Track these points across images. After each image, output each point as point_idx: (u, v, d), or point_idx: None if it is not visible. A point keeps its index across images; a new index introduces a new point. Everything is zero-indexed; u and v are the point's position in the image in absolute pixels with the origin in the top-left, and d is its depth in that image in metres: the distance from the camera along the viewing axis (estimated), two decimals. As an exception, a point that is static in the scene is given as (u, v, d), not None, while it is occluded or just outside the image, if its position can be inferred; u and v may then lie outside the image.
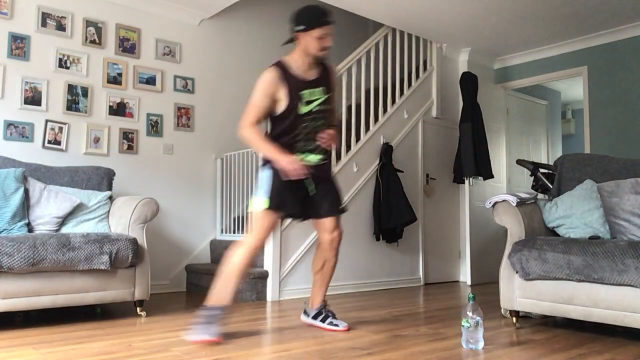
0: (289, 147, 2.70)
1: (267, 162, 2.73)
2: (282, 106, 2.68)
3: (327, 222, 2.84)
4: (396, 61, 5.31)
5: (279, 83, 2.66)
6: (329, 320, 2.91)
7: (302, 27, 2.66)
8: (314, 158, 2.77)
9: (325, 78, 2.81)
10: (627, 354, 2.42)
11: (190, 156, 4.84)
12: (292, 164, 2.59)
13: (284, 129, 2.71)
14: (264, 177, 2.72)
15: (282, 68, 2.69)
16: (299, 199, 2.77)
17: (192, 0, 4.67)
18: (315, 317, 2.96)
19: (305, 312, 3.03)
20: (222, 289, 2.63)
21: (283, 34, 5.74)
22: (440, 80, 5.68)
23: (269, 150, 2.65)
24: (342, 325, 2.88)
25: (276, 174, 2.67)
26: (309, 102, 2.70)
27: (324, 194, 2.82)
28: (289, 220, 4.26)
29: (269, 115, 2.74)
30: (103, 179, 3.76)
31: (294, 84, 2.68)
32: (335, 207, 2.86)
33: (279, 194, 2.67)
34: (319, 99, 2.74)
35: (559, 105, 7.46)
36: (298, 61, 2.73)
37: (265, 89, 2.66)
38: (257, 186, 2.74)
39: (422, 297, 4.44)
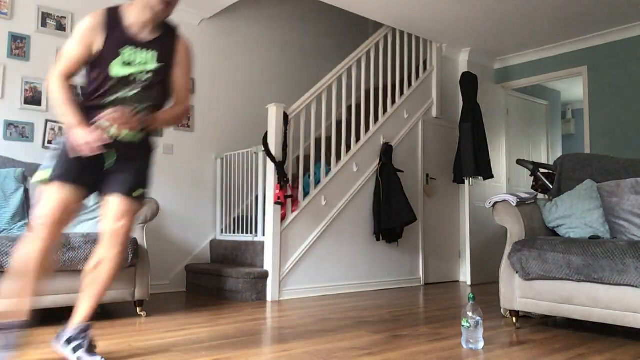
0: (96, 110, 2.12)
1: None
2: (96, 57, 2.13)
3: (113, 205, 2.16)
4: (396, 61, 5.30)
5: (99, 30, 2.11)
6: (78, 353, 2.07)
7: None
8: (125, 133, 2.15)
9: (165, 46, 2.22)
10: (627, 354, 2.42)
11: (190, 156, 4.84)
12: (86, 138, 2.00)
13: (93, 88, 2.16)
14: (57, 145, 2.16)
15: (111, 14, 2.15)
16: (92, 170, 2.15)
17: (192, 0, 4.67)
18: (69, 342, 2.10)
19: (58, 335, 2.16)
20: (16, 298, 2.00)
21: (283, 34, 5.74)
22: (440, 80, 5.68)
23: (66, 115, 2.08)
24: None
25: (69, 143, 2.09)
26: (127, 64, 2.12)
27: (123, 169, 2.19)
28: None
29: (87, 65, 2.18)
30: (103, 179, 3.76)
31: (117, 36, 2.12)
32: (125, 186, 2.18)
33: (68, 162, 2.08)
34: (144, 65, 2.15)
35: (559, 105, 7.46)
36: (136, 13, 2.15)
37: (82, 35, 2.11)
38: (47, 157, 2.18)
39: (422, 297, 4.44)
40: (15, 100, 3.97)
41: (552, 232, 3.24)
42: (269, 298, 4.11)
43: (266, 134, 4.27)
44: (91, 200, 3.55)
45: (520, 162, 4.21)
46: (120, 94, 2.14)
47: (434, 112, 5.60)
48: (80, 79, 2.25)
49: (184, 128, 4.81)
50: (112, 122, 2.09)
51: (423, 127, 5.48)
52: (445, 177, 5.69)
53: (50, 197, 2.05)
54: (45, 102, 4.08)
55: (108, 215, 2.17)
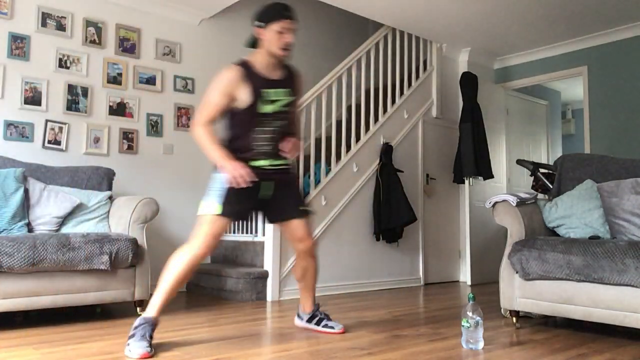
0: (245, 150, 2.59)
1: None
2: (242, 104, 2.55)
3: (297, 229, 2.72)
4: (396, 61, 5.30)
5: (240, 81, 2.54)
6: (323, 322, 2.85)
7: (262, 23, 2.57)
8: (274, 162, 2.65)
9: (290, 81, 2.70)
10: (627, 354, 2.42)
11: (190, 156, 4.84)
12: (237, 170, 2.44)
13: (242, 129, 2.59)
14: (218, 179, 2.56)
15: (244, 66, 2.59)
16: (254, 204, 2.66)
17: (192, 0, 4.67)
18: (309, 321, 2.90)
19: (299, 316, 2.96)
20: (157, 298, 2.44)
21: (283, 34, 5.73)
22: (440, 80, 5.68)
23: (216, 154, 2.51)
24: (338, 328, 2.83)
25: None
26: (272, 102, 2.59)
27: (283, 196, 2.70)
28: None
29: (227, 114, 2.62)
30: (103, 179, 3.76)
31: (257, 82, 2.57)
32: (296, 210, 2.72)
33: (233, 199, 2.52)
34: (283, 100, 2.63)
35: (559, 105, 7.46)
36: (262, 61, 2.62)
37: (224, 88, 2.54)
38: (208, 187, 2.59)
39: (422, 297, 4.44)
40: (15, 100, 3.97)
41: (552, 232, 3.23)
42: (269, 298, 4.11)
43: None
44: (92, 200, 3.56)
45: (520, 162, 4.21)
46: (272, 127, 2.60)
47: (434, 112, 5.60)
48: (221, 129, 2.66)
49: (184, 128, 4.81)
50: (289, 152, 2.64)
51: (423, 127, 5.48)
52: (445, 177, 5.69)
53: (214, 228, 2.50)
54: (45, 102, 4.08)
55: (296, 236, 2.74)
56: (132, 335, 2.34)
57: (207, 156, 2.55)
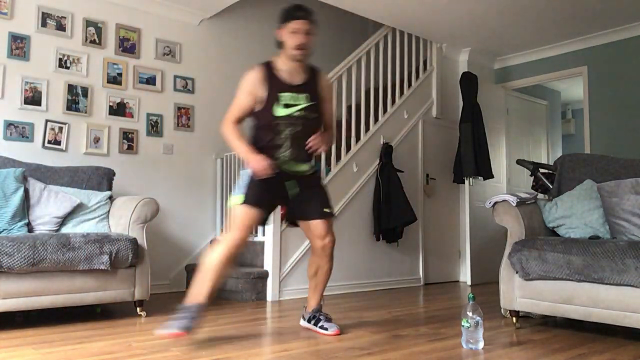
0: (266, 150, 2.65)
1: None
2: (259, 105, 2.65)
3: (317, 227, 2.77)
4: (396, 61, 5.31)
5: (261, 82, 2.64)
6: (320, 323, 2.84)
7: (280, 24, 2.68)
8: (297, 167, 2.73)
9: (313, 85, 2.74)
10: (627, 354, 2.42)
11: (190, 156, 4.84)
12: (259, 162, 2.55)
13: (260, 130, 2.68)
14: (244, 175, 2.68)
15: (267, 67, 2.68)
16: (278, 199, 2.75)
17: (192, 0, 4.67)
18: (309, 321, 2.91)
19: (303, 316, 2.99)
20: (198, 287, 2.54)
21: (283, 34, 5.73)
22: (440, 80, 5.68)
23: (241, 149, 2.62)
24: (332, 330, 2.78)
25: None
26: (288, 106, 2.63)
27: (309, 197, 2.77)
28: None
29: (252, 116, 2.72)
30: (103, 179, 3.76)
31: (276, 84, 2.64)
32: (320, 209, 2.78)
33: (255, 190, 2.61)
34: (301, 104, 2.66)
35: (559, 105, 7.46)
36: (286, 63, 2.70)
37: (247, 87, 2.66)
38: (237, 184, 2.71)
39: (422, 297, 4.44)
40: (15, 100, 3.97)
41: (552, 232, 3.23)
42: (269, 298, 4.11)
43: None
44: (92, 200, 3.56)
45: (520, 162, 4.21)
46: (287, 131, 2.63)
47: (434, 112, 5.60)
48: (248, 131, 2.75)
49: (184, 128, 4.81)
50: (314, 146, 2.67)
51: (423, 127, 5.48)
52: (445, 177, 5.69)
53: (243, 218, 2.58)
54: (45, 102, 4.08)
55: (315, 235, 2.78)
56: (173, 319, 2.48)
57: (235, 152, 2.67)
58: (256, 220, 2.65)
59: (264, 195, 2.64)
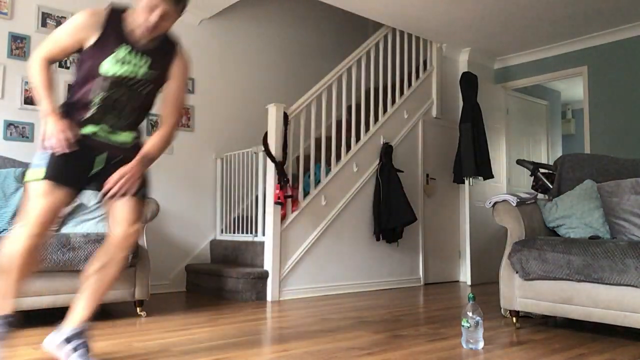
0: (80, 108, 2.09)
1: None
2: (89, 52, 2.05)
3: (122, 209, 2.12)
4: (396, 61, 5.30)
5: (95, 28, 2.04)
6: (81, 352, 2.03)
7: None
8: (114, 136, 2.16)
9: (162, 56, 2.18)
10: (627, 354, 2.42)
11: (190, 156, 4.84)
12: (57, 132, 1.97)
13: (80, 83, 2.09)
14: (45, 144, 2.04)
15: (112, 15, 2.09)
16: (84, 173, 2.12)
17: (192, 0, 4.67)
18: (68, 340, 2.06)
19: (52, 336, 2.11)
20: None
21: (283, 33, 5.74)
22: (440, 80, 5.68)
23: (43, 100, 2.02)
24: None
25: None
26: (120, 63, 2.06)
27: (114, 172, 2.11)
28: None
29: (78, 58, 2.11)
30: (103, 179, 3.76)
31: (114, 36, 2.06)
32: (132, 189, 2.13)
33: (59, 162, 2.01)
34: (137, 68, 2.09)
35: (559, 105, 7.46)
36: (137, 21, 2.06)
37: (75, 28, 2.05)
38: (36, 154, 2.07)
39: (422, 297, 4.44)
40: (15, 100, 3.97)
41: (552, 232, 3.23)
42: (269, 298, 4.11)
43: (266, 134, 4.27)
44: (92, 200, 3.56)
45: (520, 162, 4.20)
46: (107, 94, 2.07)
47: (434, 112, 5.60)
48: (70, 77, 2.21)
49: (184, 128, 4.81)
50: (119, 188, 2.06)
51: (423, 127, 5.48)
52: (445, 177, 5.69)
53: (40, 198, 1.98)
54: (45, 102, 4.08)
55: (119, 219, 2.13)
56: None
57: (35, 99, 2.08)
58: (62, 202, 2.02)
59: (70, 168, 2.04)
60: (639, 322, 2.53)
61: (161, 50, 2.18)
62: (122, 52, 2.07)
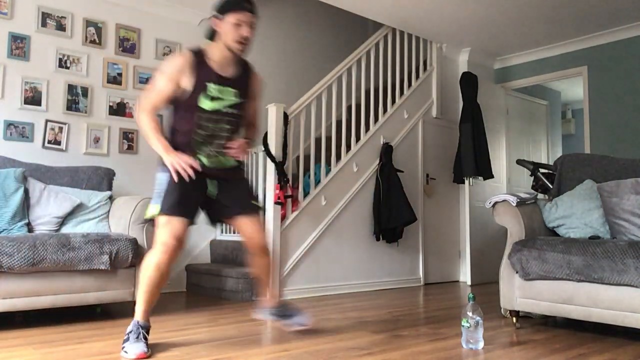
0: (186, 146, 2.43)
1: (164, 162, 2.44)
2: (184, 94, 2.40)
3: (245, 224, 2.59)
4: (396, 61, 5.30)
5: (187, 69, 2.38)
6: (282, 321, 2.78)
7: (219, 14, 2.43)
8: (224, 162, 2.53)
9: (244, 82, 2.54)
10: (627, 354, 2.42)
11: (190, 156, 4.84)
12: (179, 161, 2.34)
13: (183, 122, 2.43)
14: (160, 179, 2.43)
15: (196, 55, 2.43)
16: (199, 201, 2.51)
17: (192, 0, 4.67)
18: (272, 315, 2.84)
19: (265, 308, 2.86)
20: (138, 304, 2.40)
21: (283, 33, 5.74)
22: (440, 80, 5.68)
23: (158, 144, 2.38)
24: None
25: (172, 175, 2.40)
26: (214, 99, 2.41)
27: (229, 192, 2.56)
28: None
29: (172, 104, 2.47)
30: (103, 179, 3.76)
31: (204, 74, 2.40)
32: (245, 206, 2.58)
33: (173, 196, 2.38)
34: (228, 100, 2.46)
35: (559, 105, 7.46)
36: (217, 53, 2.45)
37: (171, 73, 2.39)
38: (154, 191, 2.45)
39: (422, 297, 4.44)
40: (15, 100, 3.97)
41: (552, 232, 3.24)
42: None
43: (266, 134, 4.27)
44: (92, 200, 3.56)
45: (520, 162, 4.21)
46: (211, 127, 2.42)
47: (434, 112, 5.60)
48: (165, 122, 2.54)
49: (184, 128, 4.81)
50: (235, 153, 2.48)
51: (423, 127, 5.48)
52: (445, 177, 5.69)
53: (163, 229, 2.35)
54: (45, 102, 4.08)
55: (246, 232, 2.60)
56: (127, 339, 2.32)
57: (150, 145, 2.44)
58: (181, 229, 2.39)
59: (184, 199, 2.40)
60: (639, 322, 2.53)
61: (243, 74, 2.55)
62: (212, 88, 2.41)
